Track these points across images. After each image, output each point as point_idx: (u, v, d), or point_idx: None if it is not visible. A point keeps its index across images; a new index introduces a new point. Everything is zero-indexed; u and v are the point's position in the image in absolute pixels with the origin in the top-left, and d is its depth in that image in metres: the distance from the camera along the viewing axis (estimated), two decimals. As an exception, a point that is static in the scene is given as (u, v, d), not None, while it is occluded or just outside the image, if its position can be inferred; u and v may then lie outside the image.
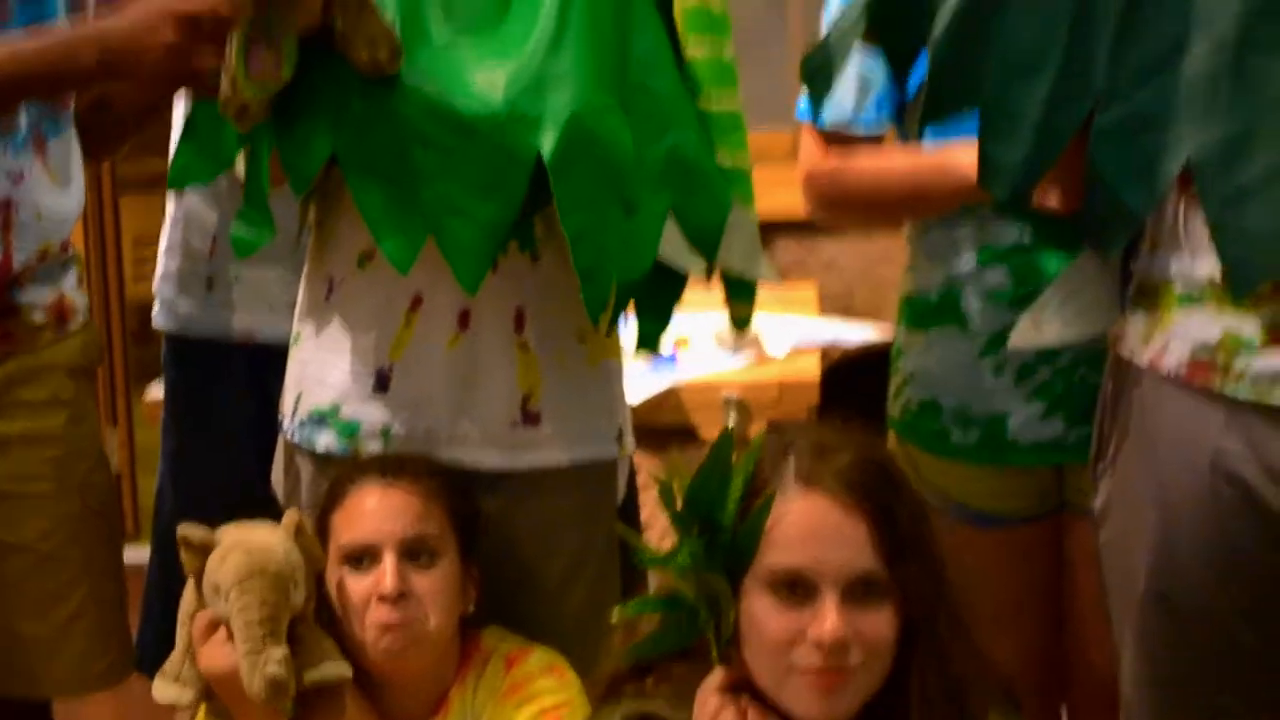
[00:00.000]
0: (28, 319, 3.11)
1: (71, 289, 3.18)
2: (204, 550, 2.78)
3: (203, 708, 2.84)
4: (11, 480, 3.10)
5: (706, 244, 2.89)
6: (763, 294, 3.12)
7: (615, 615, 2.52)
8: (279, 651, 2.71)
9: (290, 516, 2.84)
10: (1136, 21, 2.77)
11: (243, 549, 2.77)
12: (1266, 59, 2.71)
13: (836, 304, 4.81)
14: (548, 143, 2.75)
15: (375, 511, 2.81)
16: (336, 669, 2.78)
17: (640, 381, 3.58)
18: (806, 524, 2.30)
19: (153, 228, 3.73)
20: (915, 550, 2.33)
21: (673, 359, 3.82)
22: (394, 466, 2.86)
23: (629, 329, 3.02)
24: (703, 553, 2.34)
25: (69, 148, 3.16)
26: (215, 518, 2.85)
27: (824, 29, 3.07)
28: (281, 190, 2.91)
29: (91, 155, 3.24)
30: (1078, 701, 3.29)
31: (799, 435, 2.40)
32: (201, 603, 2.80)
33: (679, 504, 2.36)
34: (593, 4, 2.81)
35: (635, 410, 3.23)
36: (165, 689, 2.85)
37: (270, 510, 2.92)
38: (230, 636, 2.74)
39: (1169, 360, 2.81)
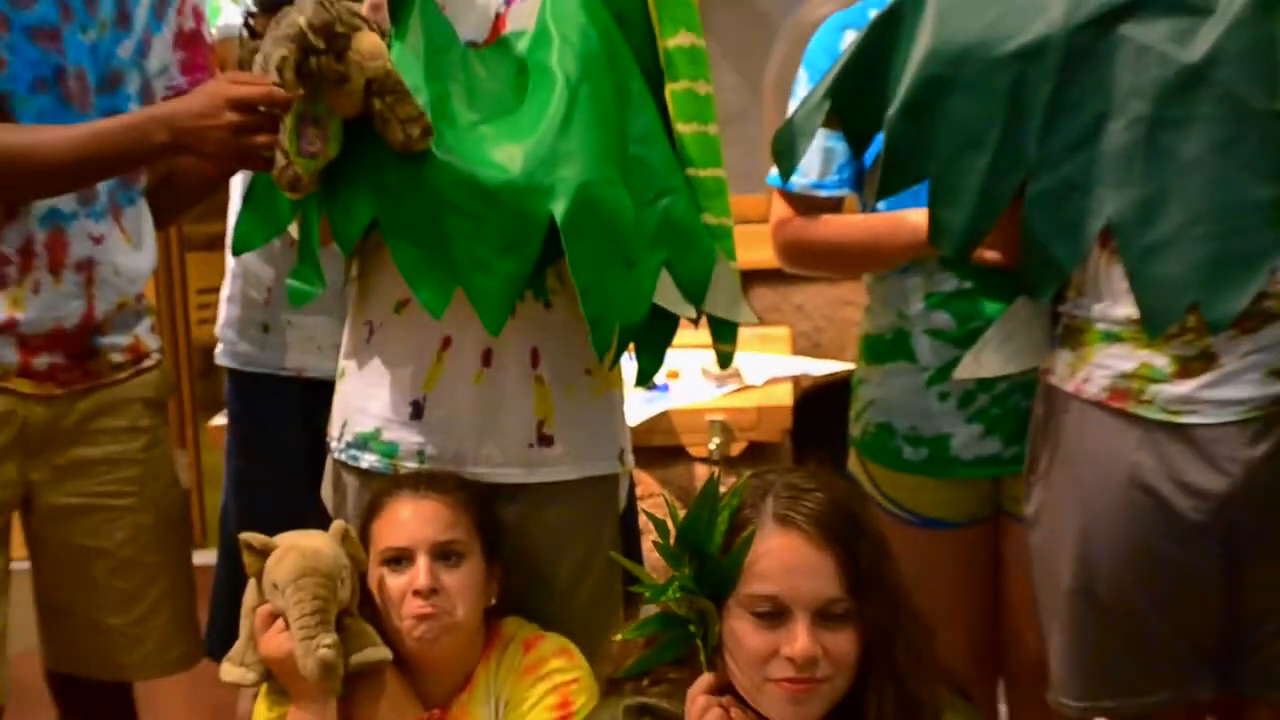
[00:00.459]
0: (108, 359, 3.12)
1: (145, 333, 3.19)
2: (263, 554, 2.81)
3: (263, 687, 2.85)
4: (97, 496, 3.12)
5: (695, 292, 2.91)
6: (743, 334, 3.12)
7: (620, 634, 2.56)
8: (329, 638, 2.73)
9: (338, 525, 2.86)
10: (1062, 105, 2.78)
11: (297, 552, 2.79)
12: (1174, 134, 2.74)
13: (805, 342, 4.80)
14: (559, 209, 2.77)
15: (410, 520, 2.82)
16: (378, 653, 2.80)
17: (638, 407, 3.58)
18: (782, 558, 2.33)
19: (214, 280, 3.71)
20: (875, 582, 2.35)
21: (666, 388, 3.81)
22: (427, 481, 2.86)
23: (630, 364, 3.02)
24: (692, 581, 2.38)
25: (141, 215, 3.17)
26: (272, 526, 2.87)
27: (791, 112, 3.10)
28: (328, 249, 2.93)
29: (160, 221, 3.24)
30: (1013, 675, 3.27)
31: (776, 479, 2.42)
32: (262, 598, 2.82)
33: (673, 539, 2.40)
34: (596, 91, 2.83)
35: (634, 431, 3.22)
36: (231, 671, 2.87)
37: (320, 520, 2.92)
38: (287, 626, 2.75)
39: (1092, 388, 2.85)
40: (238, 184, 3.29)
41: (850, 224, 3.16)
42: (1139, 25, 2.77)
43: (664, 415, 3.94)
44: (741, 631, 2.35)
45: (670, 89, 2.93)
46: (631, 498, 3.14)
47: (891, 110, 2.87)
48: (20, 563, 3.14)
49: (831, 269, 3.58)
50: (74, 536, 3.14)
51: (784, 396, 4.09)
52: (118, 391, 3.15)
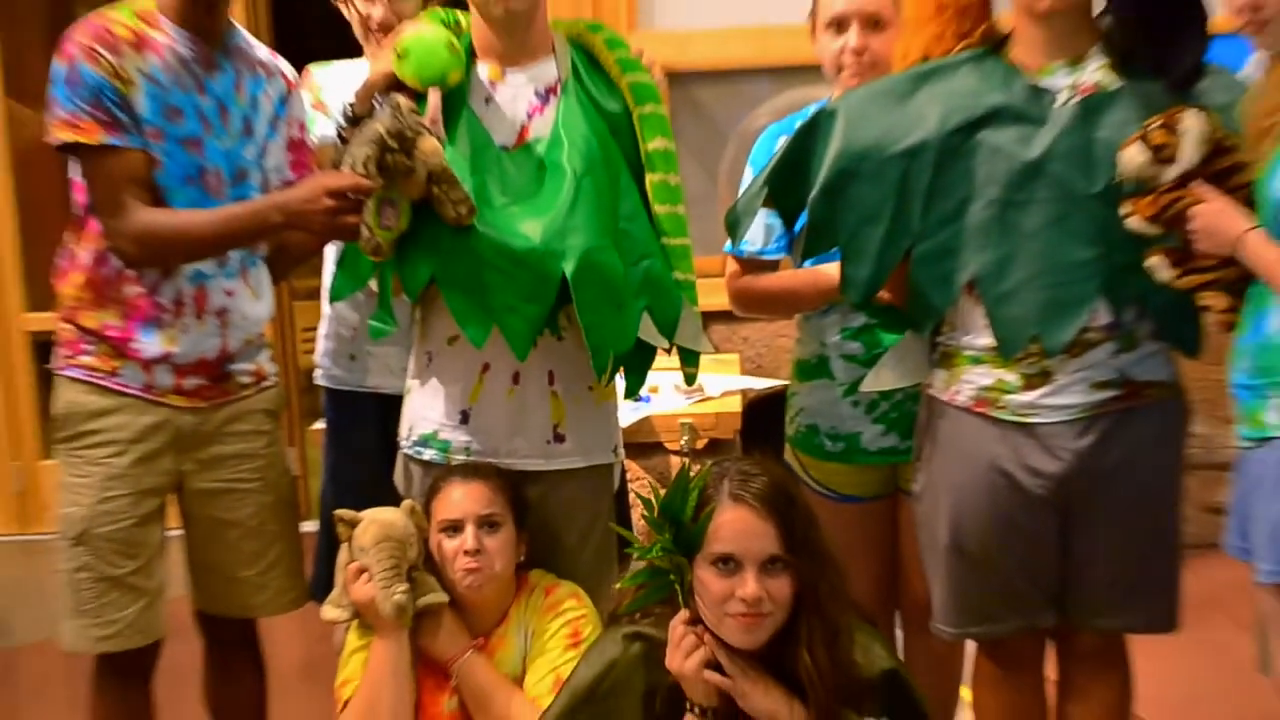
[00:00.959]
0: (238, 380, 3.11)
1: (265, 361, 3.19)
2: (352, 524, 2.85)
3: (354, 624, 2.86)
4: (231, 481, 3.11)
5: (668, 329, 2.90)
6: (704, 360, 3.12)
7: (618, 583, 2.57)
8: (402, 587, 2.77)
9: (407, 503, 2.89)
10: (937, 190, 2.79)
11: (377, 524, 2.82)
12: (1019, 212, 2.74)
13: (750, 365, 4.79)
14: (569, 268, 2.77)
15: (461, 498, 2.81)
16: (438, 597, 2.82)
17: (627, 413, 3.56)
18: (735, 526, 2.32)
19: (313, 321, 3.73)
20: (804, 542, 2.35)
21: (648, 399, 3.82)
22: (472, 470, 2.87)
23: (621, 382, 3.00)
24: (670, 543, 2.37)
25: (262, 273, 3.17)
26: (358, 504, 2.88)
27: (741, 195, 3.08)
28: (398, 298, 2.93)
29: (276, 278, 3.24)
30: (906, 609, 3.26)
31: (731, 466, 2.41)
32: (351, 558, 2.84)
33: (656, 512, 2.39)
34: (595, 182, 2.83)
35: (624, 431, 3.23)
36: (330, 611, 2.90)
37: (393, 499, 2.94)
38: (370, 579, 2.78)
39: (961, 397, 2.85)
40: (330, 251, 3.29)
41: (784, 278, 3.15)
42: (992, 132, 2.76)
43: (647, 419, 3.96)
44: (707, 579, 2.33)
45: (649, 179, 2.92)
46: (623, 481, 3.16)
47: (812, 195, 2.87)
48: (173, 531, 3.12)
49: (771, 312, 3.58)
50: (214, 511, 3.12)
51: (735, 405, 4.10)
52: (245, 404, 3.14)
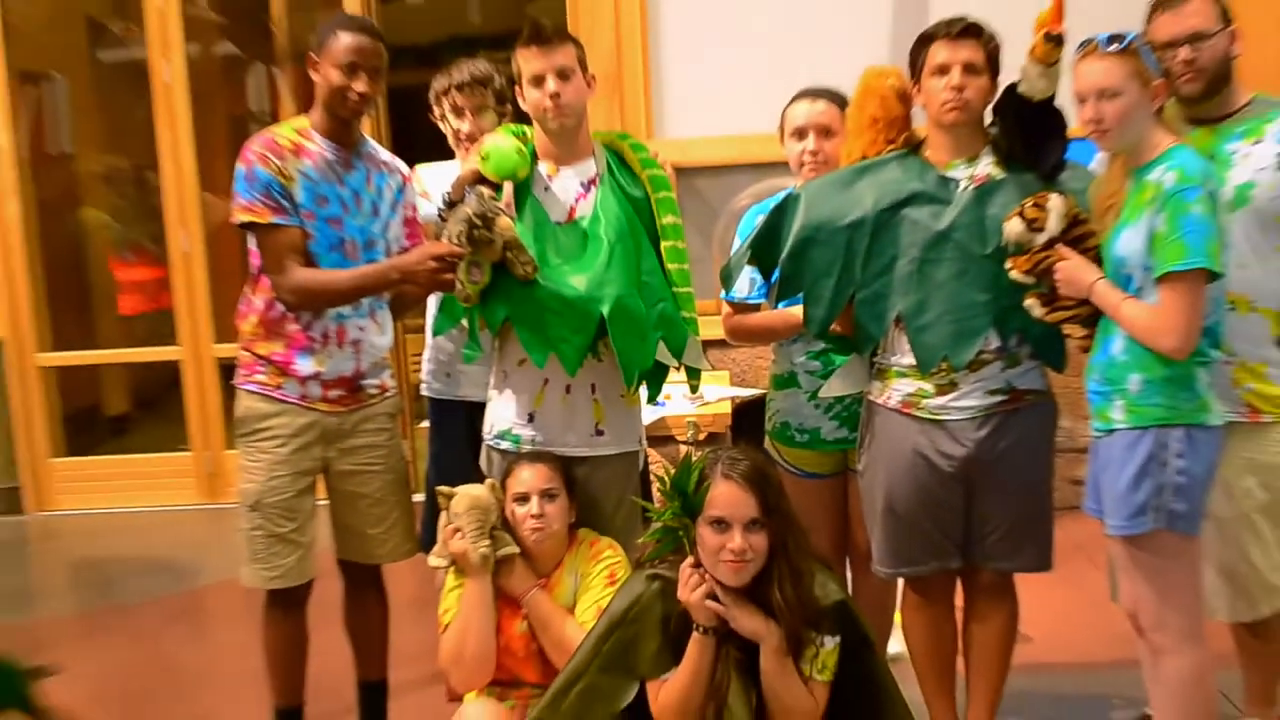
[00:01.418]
0: (368, 392, 3.11)
1: (387, 378, 3.18)
2: (450, 497, 2.81)
3: (450, 569, 2.83)
4: (362, 465, 3.10)
5: (677, 353, 2.88)
6: (704, 375, 3.11)
7: (641, 539, 2.57)
8: (485, 542, 2.75)
9: (489, 481, 2.86)
10: (872, 252, 2.78)
11: (468, 496, 2.79)
12: (932, 267, 2.74)
13: (738, 379, 4.76)
14: (605, 310, 2.76)
15: (529, 477, 2.79)
16: (511, 549, 2.78)
17: (649, 414, 3.51)
18: (726, 496, 2.33)
19: (419, 349, 3.69)
20: (777, 508, 2.35)
21: (664, 404, 3.79)
22: (536, 457, 2.84)
23: (644, 391, 2.98)
24: (679, 509, 2.37)
25: (385, 314, 3.16)
26: (453, 482, 2.86)
27: (730, 256, 3.08)
28: (483, 332, 2.93)
29: (395, 317, 3.23)
30: (853, 556, 3.20)
31: (723, 452, 2.42)
32: (449, 521, 2.80)
33: (669, 486, 2.40)
34: (624, 248, 2.82)
35: (647, 427, 3.18)
36: (434, 560, 2.86)
37: (479, 478, 2.90)
38: (463, 536, 2.76)
39: (892, 401, 2.83)
40: (433, 299, 3.27)
41: (763, 317, 3.12)
42: (912, 209, 2.77)
43: (662, 418, 3.95)
44: (705, 535, 2.35)
45: (663, 245, 2.91)
46: (646, 464, 3.10)
47: (782, 256, 2.86)
48: (321, 501, 3.13)
49: (754, 341, 3.55)
50: (350, 487, 3.12)
51: (727, 408, 4.08)
52: (373, 409, 3.14)
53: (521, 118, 3.01)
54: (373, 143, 3.17)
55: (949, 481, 2.80)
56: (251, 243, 3.00)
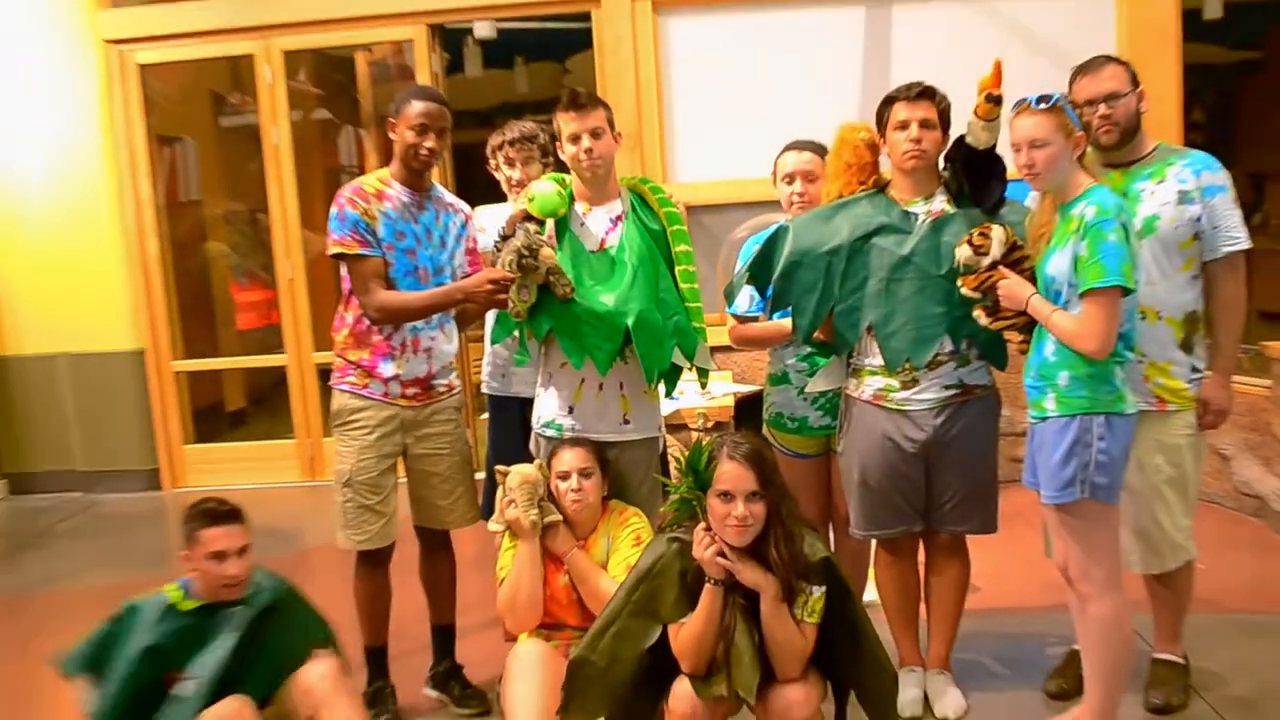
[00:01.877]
0: (438, 390, 3.09)
1: (454, 378, 3.16)
2: (505, 475, 2.79)
3: (506, 533, 2.81)
4: (434, 449, 3.08)
5: (689, 356, 2.85)
6: (712, 374, 3.11)
7: (662, 509, 2.55)
8: (534, 512, 2.73)
9: (537, 462, 2.84)
10: (848, 274, 2.78)
11: (520, 473, 2.78)
12: (897, 286, 2.74)
13: (739, 377, 4.73)
14: (630, 322, 2.75)
15: (569, 458, 2.77)
16: (555, 517, 2.77)
17: (667, 406, 3.50)
18: (730, 473, 2.32)
19: (479, 355, 3.66)
20: (772, 482, 2.33)
21: (678, 398, 3.76)
22: (576, 442, 2.82)
23: (662, 387, 2.95)
24: (692, 483, 2.36)
25: (452, 326, 3.14)
26: (508, 462, 2.85)
27: (732, 278, 3.07)
28: (531, 341, 2.91)
29: (460, 328, 3.21)
30: (834, 523, 3.18)
31: (728, 437, 2.40)
32: (504, 494, 2.78)
33: (684, 465, 2.39)
34: (646, 272, 2.81)
35: (665, 417, 3.18)
36: (492, 525, 2.84)
37: (529, 459, 2.89)
38: (516, 506, 2.74)
39: (865, 395, 2.83)
40: (490, 314, 3.24)
41: (761, 327, 3.10)
42: (880, 238, 2.76)
43: (678, 410, 3.92)
44: (714, 505, 2.33)
45: (677, 269, 2.89)
46: (664, 447, 3.07)
47: (775, 277, 2.85)
48: (401, 479, 3.11)
49: (753, 347, 3.51)
50: (424, 466, 3.10)
51: (730, 401, 4.04)
52: (442, 404, 3.12)
53: (561, 167, 3.00)
54: (440, 188, 3.17)
55: (912, 460, 2.79)
56: (343, 270, 3.00)
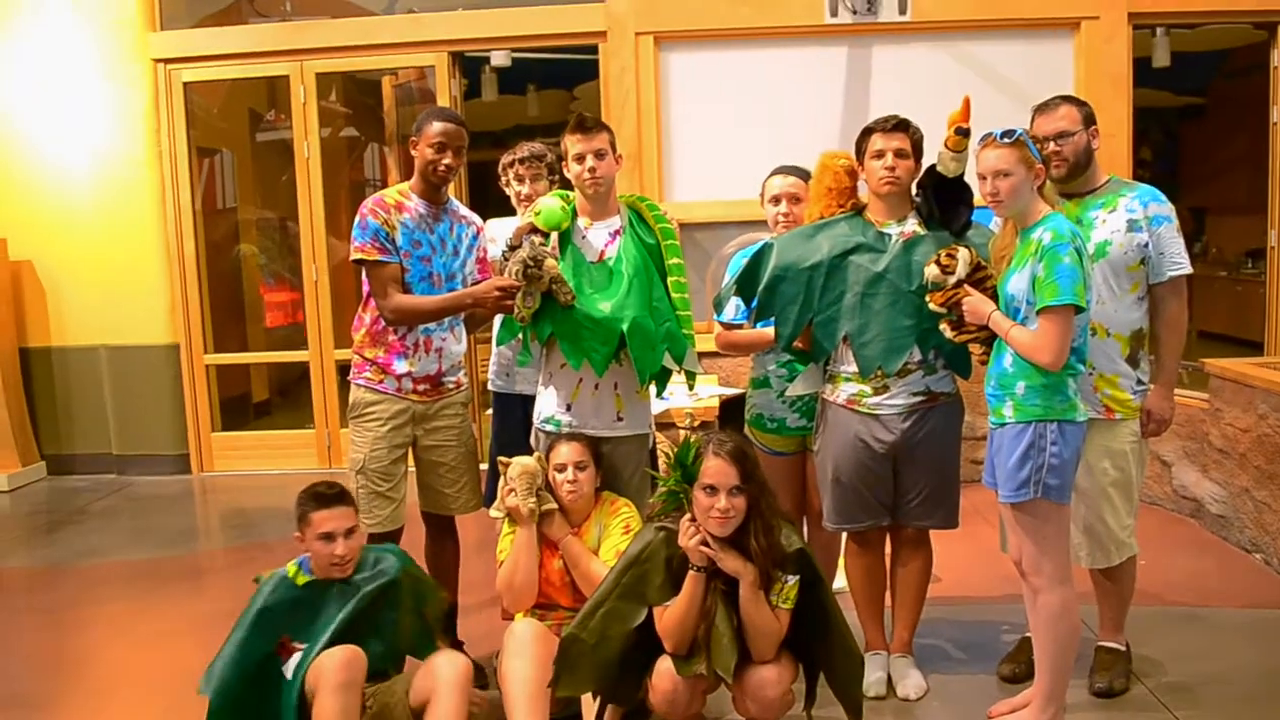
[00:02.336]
0: (447, 386, 3.07)
1: (462, 376, 3.13)
2: (505, 465, 2.76)
3: (505, 520, 2.79)
4: (442, 441, 3.06)
5: (679, 360, 2.84)
6: (699, 378, 3.08)
7: (651, 499, 2.53)
8: (532, 500, 2.70)
9: (537, 454, 2.81)
10: (826, 288, 2.76)
11: (520, 464, 2.75)
12: (872, 299, 2.73)
13: (724, 380, 4.71)
14: (625, 327, 2.74)
15: (566, 451, 2.76)
16: (552, 506, 2.74)
17: (657, 405, 3.46)
18: (714, 468, 2.31)
19: (485, 355, 3.67)
20: (753, 477, 2.32)
21: (668, 398, 3.71)
22: (571, 437, 2.80)
23: (653, 388, 2.94)
24: (680, 477, 2.35)
25: (462, 329, 3.12)
26: (510, 453, 2.82)
27: (720, 289, 3.05)
28: (534, 343, 2.89)
29: (469, 330, 3.19)
30: (809, 514, 3.16)
31: (713, 435, 2.39)
32: (506, 484, 2.75)
33: (672, 460, 2.37)
34: (640, 281, 2.80)
35: (655, 415, 3.18)
36: (494, 512, 2.81)
37: (529, 451, 2.86)
38: (516, 495, 2.72)
39: (840, 399, 2.81)
40: (497, 318, 3.22)
41: (745, 334, 3.07)
42: (857, 256, 2.75)
43: (667, 410, 3.89)
44: (698, 497, 2.32)
45: (670, 279, 2.87)
46: (654, 443, 3.06)
47: (760, 290, 2.84)
48: (411, 468, 3.09)
49: (739, 353, 3.50)
50: (433, 457, 3.08)
51: (715, 402, 4.02)
52: (451, 399, 3.09)
53: (566, 184, 2.99)
54: (455, 201, 3.15)
55: (881, 459, 2.77)
56: (363, 275, 2.98)
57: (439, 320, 3.01)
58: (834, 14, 5.22)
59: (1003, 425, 2.50)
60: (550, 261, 2.74)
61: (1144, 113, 5.98)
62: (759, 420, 3.13)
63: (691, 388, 3.08)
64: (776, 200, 3.06)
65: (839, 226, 2.81)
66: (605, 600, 2.41)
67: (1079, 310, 2.40)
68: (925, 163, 2.77)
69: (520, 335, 2.91)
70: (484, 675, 3.05)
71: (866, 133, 2.77)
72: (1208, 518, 4.21)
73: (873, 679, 2.86)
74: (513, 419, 3.33)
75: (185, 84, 5.82)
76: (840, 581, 3.26)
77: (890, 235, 2.76)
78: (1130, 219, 2.71)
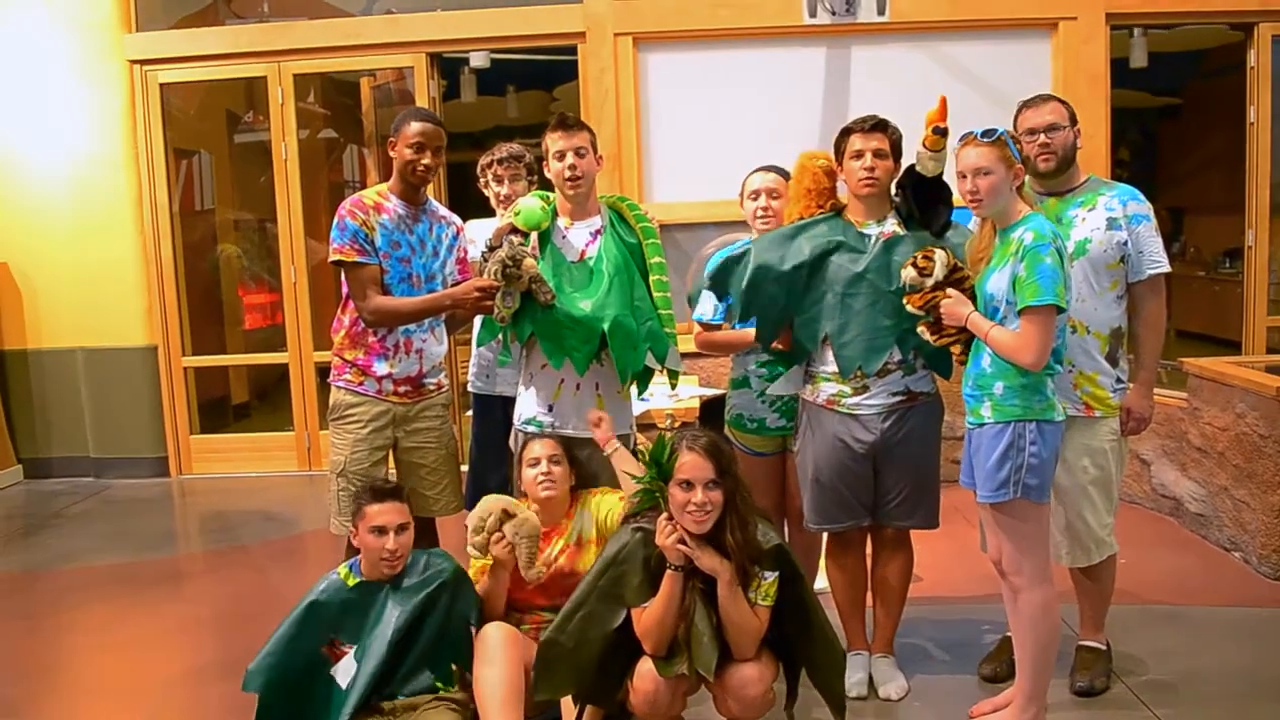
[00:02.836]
0: (428, 388, 3.07)
1: (442, 378, 3.13)
2: (509, 516, 2.62)
3: (480, 558, 2.67)
4: (423, 443, 3.05)
5: (660, 359, 2.84)
6: (681, 378, 3.07)
7: (630, 495, 2.52)
8: (535, 571, 2.63)
9: (535, 508, 2.70)
10: (807, 288, 2.76)
11: (530, 523, 2.63)
12: (852, 299, 2.72)
13: (704, 380, 4.70)
14: (606, 326, 2.74)
15: (541, 449, 2.75)
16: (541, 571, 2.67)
17: (638, 406, 3.45)
18: (690, 463, 2.29)
19: (466, 356, 3.65)
20: (729, 472, 2.31)
21: (648, 399, 3.70)
22: (550, 437, 2.80)
23: (634, 388, 2.94)
24: (656, 474, 2.33)
25: (442, 329, 3.12)
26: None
27: (692, 286, 3.05)
28: (514, 344, 2.89)
29: (450, 331, 3.18)
30: (789, 514, 3.16)
31: (689, 432, 2.38)
32: (504, 534, 2.61)
33: (649, 456, 2.36)
34: (621, 280, 2.80)
35: (636, 416, 3.17)
36: (471, 551, 2.66)
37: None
38: (511, 549, 2.61)
39: (819, 399, 2.80)
40: (477, 319, 3.18)
41: (724, 335, 3.07)
42: (837, 256, 2.75)
43: (647, 411, 3.87)
44: (675, 493, 2.31)
45: (651, 279, 2.86)
46: (635, 443, 3.05)
47: (742, 289, 2.81)
48: (391, 470, 3.09)
49: (719, 352, 3.50)
50: (413, 459, 3.07)
51: (696, 403, 4.01)
52: (431, 401, 3.09)
53: (546, 184, 2.99)
54: (434, 202, 3.14)
55: (861, 460, 2.77)
56: (342, 276, 2.97)
57: (419, 322, 3.00)
58: (812, 15, 5.23)
59: (981, 425, 2.50)
60: (529, 261, 2.73)
61: (1122, 113, 6.03)
62: (739, 421, 3.12)
63: (674, 387, 3.07)
64: (756, 195, 3.05)
65: (819, 227, 2.80)
66: (584, 603, 2.39)
67: (1059, 310, 2.40)
68: (905, 163, 2.77)
69: (501, 336, 2.90)
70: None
71: (845, 133, 2.77)
72: (1187, 516, 4.24)
73: (854, 680, 2.85)
74: (493, 420, 3.32)
75: (162, 85, 5.77)
76: (821, 582, 3.25)
77: (870, 236, 2.76)
78: (1109, 217, 2.72)
